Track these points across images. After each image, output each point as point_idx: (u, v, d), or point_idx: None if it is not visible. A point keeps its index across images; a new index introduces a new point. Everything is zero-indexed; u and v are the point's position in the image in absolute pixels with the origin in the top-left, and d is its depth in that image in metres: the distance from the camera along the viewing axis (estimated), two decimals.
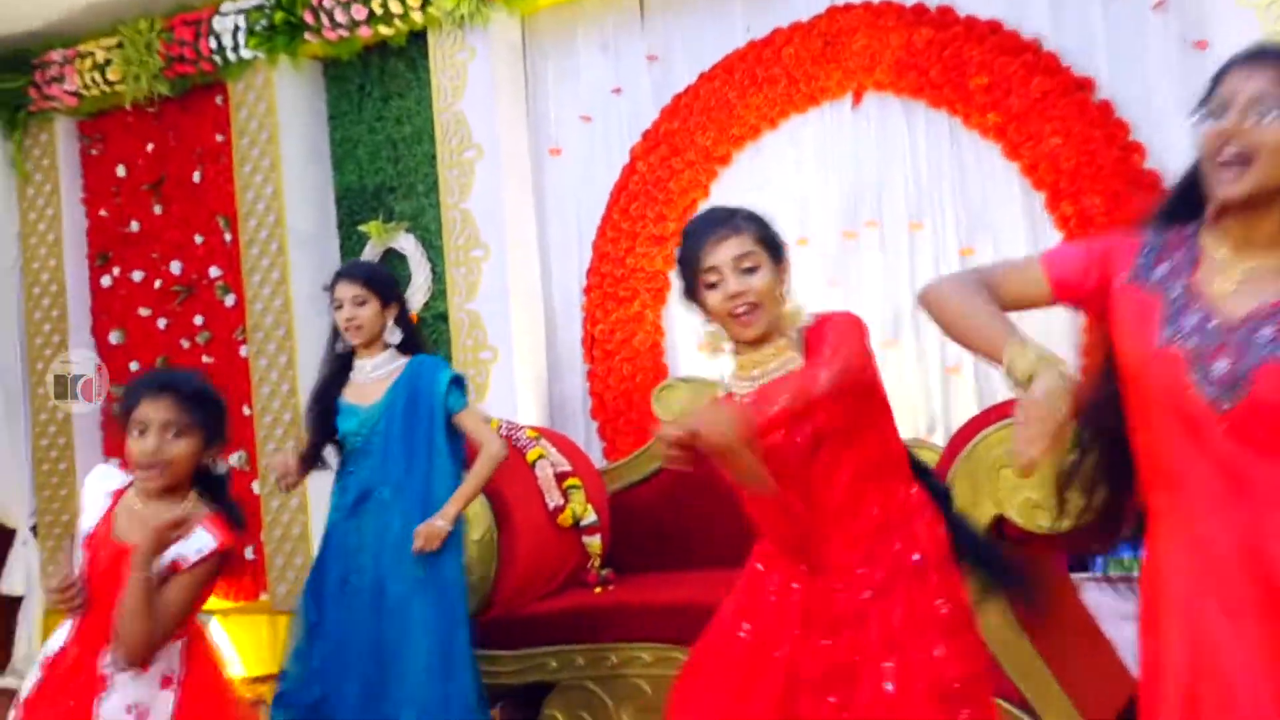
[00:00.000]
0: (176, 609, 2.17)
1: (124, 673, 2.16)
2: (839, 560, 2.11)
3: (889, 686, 2.03)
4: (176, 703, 2.20)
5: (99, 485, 2.32)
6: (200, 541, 2.18)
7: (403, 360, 3.24)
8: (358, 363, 3.25)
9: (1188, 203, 1.72)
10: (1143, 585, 1.76)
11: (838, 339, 2.04)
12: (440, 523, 3.05)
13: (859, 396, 2.08)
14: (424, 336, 3.40)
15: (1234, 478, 1.60)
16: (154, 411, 2.19)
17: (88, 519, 2.27)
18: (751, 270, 2.09)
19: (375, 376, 3.22)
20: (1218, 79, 1.65)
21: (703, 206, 4.64)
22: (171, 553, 2.16)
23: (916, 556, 2.10)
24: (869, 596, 2.09)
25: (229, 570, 2.26)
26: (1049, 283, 1.78)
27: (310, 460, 3.29)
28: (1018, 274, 1.81)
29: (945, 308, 1.78)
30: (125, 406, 2.25)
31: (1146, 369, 1.67)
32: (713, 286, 2.10)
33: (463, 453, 3.23)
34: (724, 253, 2.09)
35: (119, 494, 2.29)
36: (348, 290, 3.20)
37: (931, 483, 2.25)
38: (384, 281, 3.27)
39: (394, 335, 3.23)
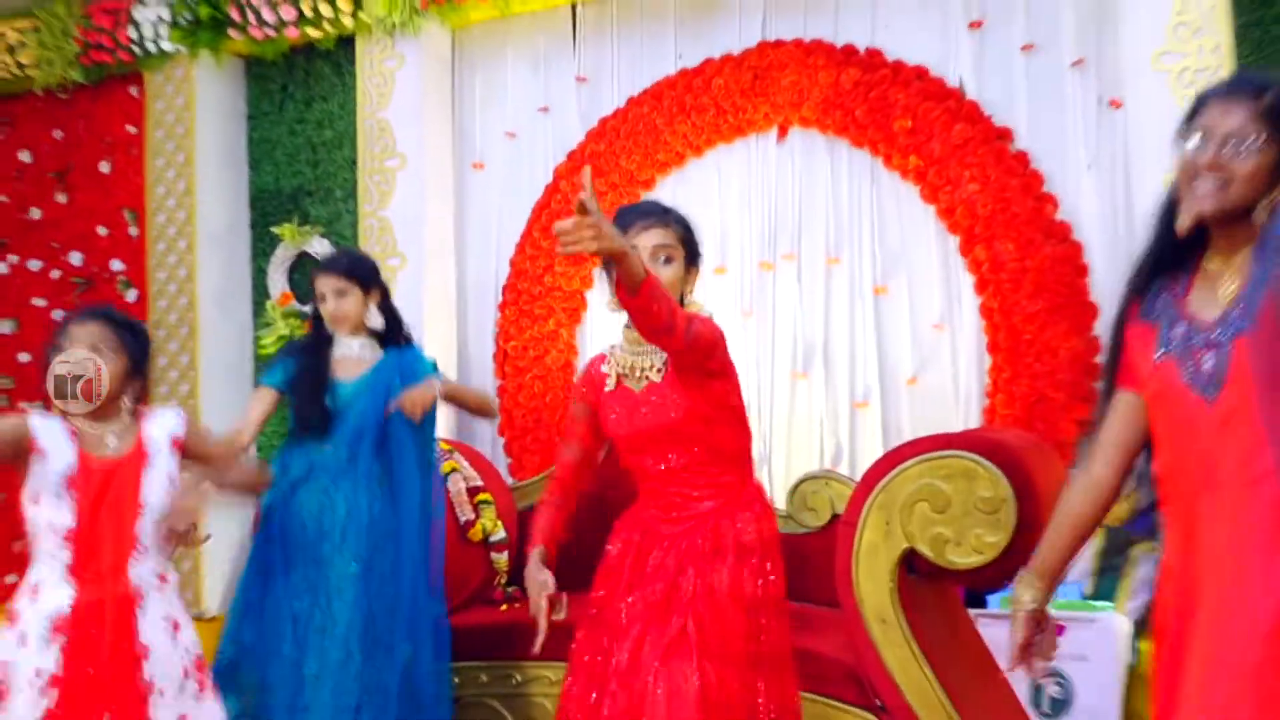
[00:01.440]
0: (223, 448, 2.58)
1: (150, 583, 2.31)
2: (669, 529, 2.38)
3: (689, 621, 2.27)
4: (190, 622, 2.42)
5: (51, 427, 2.34)
6: (171, 415, 2.46)
7: (379, 353, 3.22)
8: (342, 339, 3.22)
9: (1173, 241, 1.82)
10: (1158, 592, 1.85)
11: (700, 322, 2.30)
12: (437, 384, 3.15)
13: (714, 381, 2.32)
14: (404, 324, 3.39)
15: (1215, 470, 1.68)
16: (80, 330, 2.35)
17: (60, 459, 2.30)
18: (667, 261, 2.30)
19: (359, 356, 3.19)
20: (1198, 108, 1.76)
21: None
22: (164, 439, 2.39)
23: (744, 538, 2.34)
24: (688, 554, 2.34)
25: None
26: (1134, 391, 1.84)
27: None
28: (1116, 415, 1.89)
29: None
30: (59, 332, 2.39)
31: (1150, 385, 1.78)
32: None
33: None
34: (647, 239, 2.28)
35: (73, 430, 2.37)
36: (329, 283, 3.17)
37: None
38: (364, 270, 3.25)
39: (375, 320, 3.23)
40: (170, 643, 2.30)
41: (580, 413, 2.50)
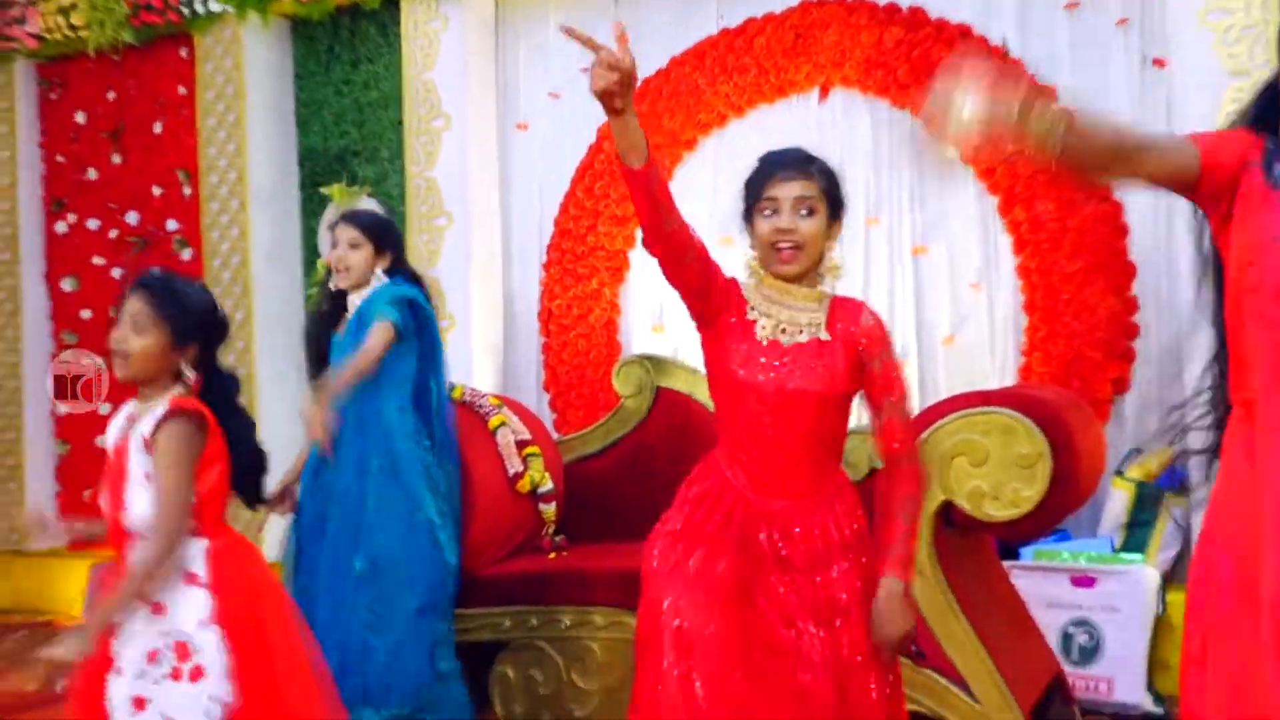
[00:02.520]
0: (169, 488, 2.18)
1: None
2: (784, 505, 2.19)
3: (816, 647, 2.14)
4: (214, 605, 2.20)
5: (117, 419, 2.34)
6: (155, 411, 2.23)
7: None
8: (349, 300, 3.25)
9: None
10: (1222, 495, 1.69)
11: (893, 365, 2.21)
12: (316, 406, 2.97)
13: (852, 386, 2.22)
14: (420, 282, 3.36)
15: None
16: (129, 305, 2.26)
17: (110, 442, 2.31)
18: (808, 214, 2.17)
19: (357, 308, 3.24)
20: None
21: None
22: (136, 435, 2.21)
23: (845, 532, 2.20)
24: (818, 552, 2.18)
25: (208, 438, 2.25)
26: (1200, 157, 1.67)
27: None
28: (1169, 140, 1.74)
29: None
30: (119, 302, 2.30)
31: (1261, 257, 1.63)
32: (767, 216, 2.17)
33: (410, 385, 3.23)
34: (788, 190, 2.17)
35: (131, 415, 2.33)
36: (345, 233, 3.19)
37: None
38: (382, 229, 3.25)
39: (378, 280, 3.22)
40: (143, 623, 2.17)
41: (711, 264, 2.20)
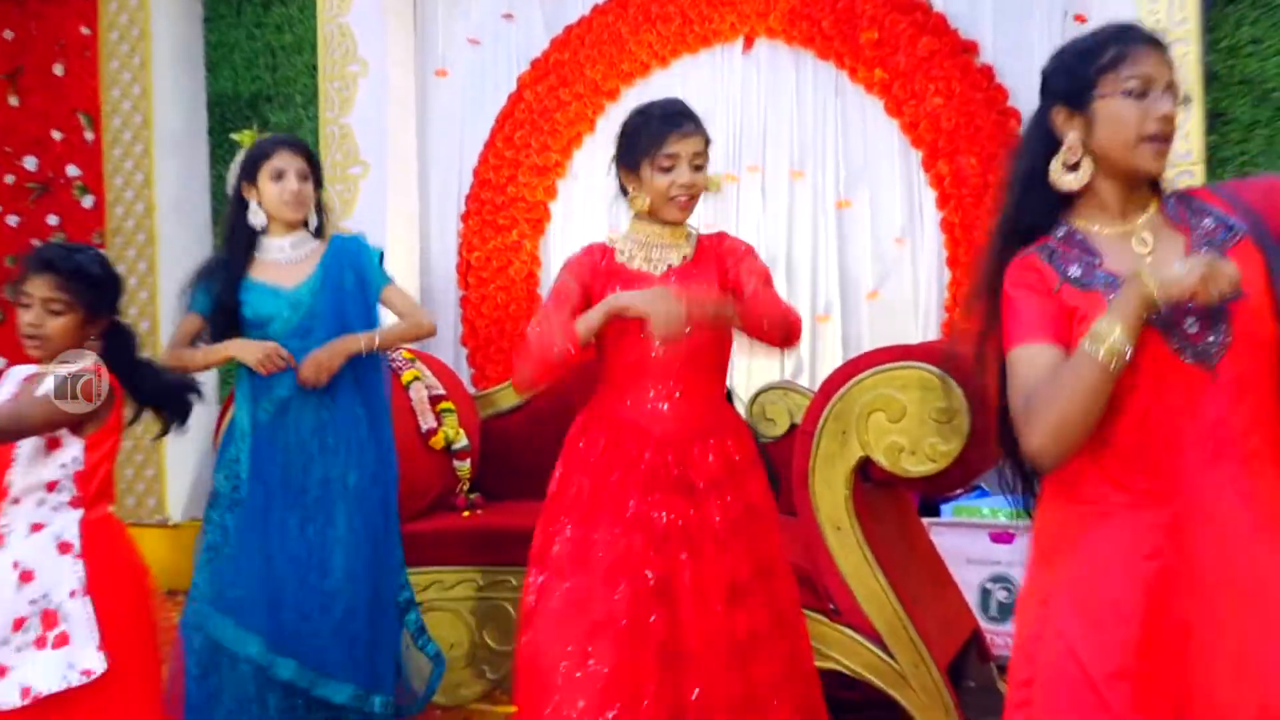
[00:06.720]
0: (30, 403, 2.17)
1: (17, 531, 2.19)
2: (682, 426, 2.30)
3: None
4: (86, 573, 2.18)
5: (15, 375, 2.30)
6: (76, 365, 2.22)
7: (317, 241, 2.91)
8: (268, 241, 2.88)
9: (1035, 207, 1.64)
10: (1057, 553, 1.60)
11: (755, 261, 2.38)
12: (356, 344, 2.79)
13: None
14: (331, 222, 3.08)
15: (1223, 438, 1.51)
16: (36, 288, 2.23)
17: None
18: (700, 168, 2.31)
19: (295, 256, 2.87)
20: (1123, 55, 1.55)
21: (588, 141, 4.58)
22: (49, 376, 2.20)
23: (737, 457, 2.32)
24: (706, 480, 2.29)
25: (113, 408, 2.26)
26: (1051, 343, 1.56)
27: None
28: (1040, 368, 1.56)
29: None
30: (17, 280, 2.26)
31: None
32: (665, 170, 2.27)
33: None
34: (688, 146, 2.28)
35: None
36: (293, 162, 2.84)
37: None
38: (319, 164, 2.97)
39: (314, 218, 2.91)
40: (11, 592, 2.14)
41: (574, 290, 2.32)
